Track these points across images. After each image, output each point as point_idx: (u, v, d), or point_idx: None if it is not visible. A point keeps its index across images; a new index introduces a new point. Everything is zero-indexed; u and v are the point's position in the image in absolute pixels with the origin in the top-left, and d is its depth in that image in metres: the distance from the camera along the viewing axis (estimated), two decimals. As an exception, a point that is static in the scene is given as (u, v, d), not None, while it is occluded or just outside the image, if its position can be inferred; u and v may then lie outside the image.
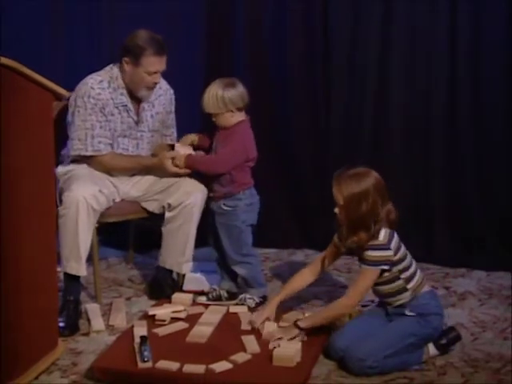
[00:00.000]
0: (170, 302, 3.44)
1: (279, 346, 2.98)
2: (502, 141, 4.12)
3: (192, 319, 3.29)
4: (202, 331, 3.17)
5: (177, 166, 3.51)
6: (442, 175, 4.20)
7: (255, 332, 3.16)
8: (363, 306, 3.38)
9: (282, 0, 4.27)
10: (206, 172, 3.48)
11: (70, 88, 3.48)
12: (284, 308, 3.33)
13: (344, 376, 2.93)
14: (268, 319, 3.20)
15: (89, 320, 3.39)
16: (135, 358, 2.92)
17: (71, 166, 3.59)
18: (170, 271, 3.65)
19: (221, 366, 2.88)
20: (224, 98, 3.37)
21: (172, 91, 3.78)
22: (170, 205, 3.56)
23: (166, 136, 3.82)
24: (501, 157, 4.12)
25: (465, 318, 3.44)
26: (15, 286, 2.72)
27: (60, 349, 3.06)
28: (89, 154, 3.55)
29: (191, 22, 4.31)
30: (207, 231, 3.59)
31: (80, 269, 3.39)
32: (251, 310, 3.43)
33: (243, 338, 3.11)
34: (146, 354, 2.91)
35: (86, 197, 3.34)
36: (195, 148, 3.59)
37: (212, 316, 3.33)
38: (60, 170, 3.55)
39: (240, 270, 3.52)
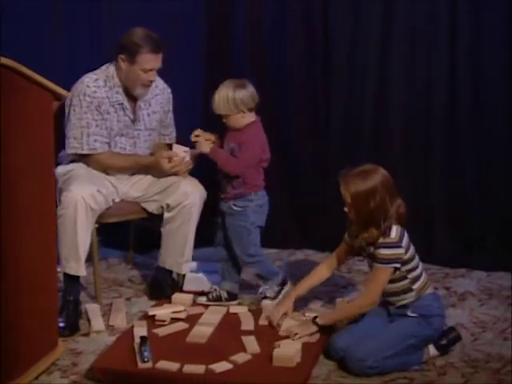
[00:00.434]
0: (169, 303, 3.44)
1: (279, 346, 2.99)
2: (502, 141, 4.12)
3: (192, 319, 3.29)
4: (202, 331, 3.17)
5: (175, 166, 3.52)
6: (442, 175, 4.20)
7: (256, 332, 3.17)
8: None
9: (282, 0, 4.27)
10: (221, 168, 3.43)
11: (70, 88, 3.48)
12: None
13: (344, 376, 2.93)
14: (285, 314, 3.22)
15: (89, 320, 3.39)
16: (135, 358, 2.92)
17: (70, 167, 3.59)
18: (170, 271, 3.65)
19: (221, 367, 2.88)
20: (235, 99, 3.35)
21: (169, 90, 3.78)
22: (168, 205, 3.56)
23: (165, 135, 3.81)
24: (501, 157, 4.12)
25: (465, 318, 3.44)
26: (15, 285, 2.72)
27: (60, 349, 3.06)
28: (84, 152, 3.54)
29: (191, 22, 4.32)
30: (215, 231, 3.58)
31: (79, 269, 3.39)
32: (250, 310, 3.44)
33: (243, 338, 3.11)
34: (146, 354, 2.91)
35: (84, 197, 3.34)
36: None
37: (212, 316, 3.33)
38: (59, 170, 3.55)
39: (254, 270, 3.56)
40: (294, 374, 2.86)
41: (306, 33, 4.26)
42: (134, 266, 4.11)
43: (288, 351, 2.93)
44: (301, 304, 3.47)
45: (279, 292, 3.50)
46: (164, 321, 3.27)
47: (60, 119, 3.54)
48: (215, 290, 3.58)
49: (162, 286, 3.63)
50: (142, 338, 2.98)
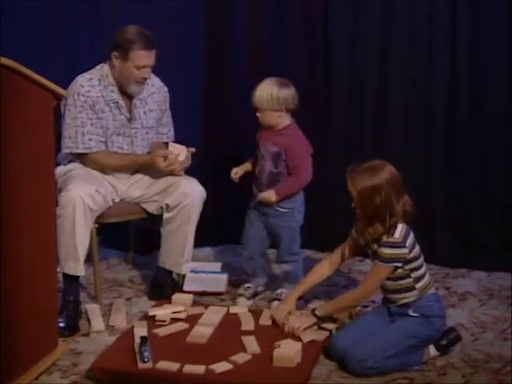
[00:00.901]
0: (170, 303, 3.44)
1: (279, 346, 2.99)
2: (502, 141, 4.12)
3: (192, 320, 3.29)
4: (202, 332, 3.17)
5: (170, 165, 3.52)
6: (442, 175, 4.20)
7: (256, 332, 3.17)
8: (364, 306, 3.39)
9: (282, 0, 4.27)
10: (299, 190, 3.53)
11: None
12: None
13: (344, 376, 2.93)
14: (290, 313, 3.23)
15: (89, 320, 3.39)
16: (135, 358, 2.92)
17: (69, 167, 3.59)
18: (170, 272, 3.65)
19: (221, 367, 2.88)
20: (279, 97, 3.42)
21: (166, 89, 3.78)
22: (168, 205, 3.56)
23: (163, 134, 3.81)
24: (501, 157, 4.12)
25: (465, 318, 3.44)
26: (15, 286, 2.72)
27: (60, 349, 3.06)
28: (79, 151, 3.54)
29: (191, 22, 4.31)
30: (242, 229, 3.64)
31: (78, 269, 3.39)
32: (250, 310, 3.44)
33: (243, 338, 3.11)
34: (146, 354, 2.90)
35: (82, 196, 3.34)
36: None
37: (212, 316, 3.33)
38: (58, 170, 3.54)
39: (286, 267, 3.58)
40: (294, 375, 2.86)
41: (306, 33, 4.26)
42: (134, 267, 4.11)
43: (288, 351, 2.93)
44: (301, 304, 3.47)
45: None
46: (164, 321, 3.27)
47: (58, 119, 3.54)
48: (249, 287, 3.62)
49: (162, 286, 3.63)
50: (142, 338, 2.97)
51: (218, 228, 4.36)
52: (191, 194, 3.55)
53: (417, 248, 3.03)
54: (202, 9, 4.32)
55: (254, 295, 3.64)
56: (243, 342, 3.08)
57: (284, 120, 3.48)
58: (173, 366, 2.87)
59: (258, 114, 3.46)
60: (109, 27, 4.26)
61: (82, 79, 3.55)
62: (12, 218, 2.67)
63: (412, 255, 2.99)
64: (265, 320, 3.30)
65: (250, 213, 3.61)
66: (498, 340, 3.23)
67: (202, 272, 3.76)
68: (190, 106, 4.25)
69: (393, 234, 2.97)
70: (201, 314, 3.36)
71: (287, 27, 4.27)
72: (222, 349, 3.01)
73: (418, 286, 3.01)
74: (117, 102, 3.59)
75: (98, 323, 3.36)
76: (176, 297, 3.47)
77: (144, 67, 3.51)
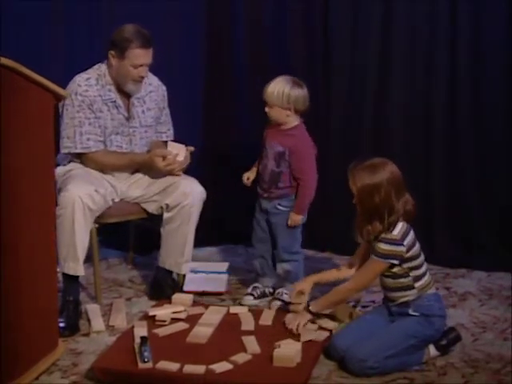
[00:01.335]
0: (170, 303, 3.44)
1: (279, 346, 2.99)
2: (502, 141, 4.12)
3: (192, 320, 3.29)
4: (203, 332, 3.17)
5: (169, 165, 3.52)
6: (442, 175, 4.20)
7: (256, 332, 3.17)
8: (363, 306, 3.39)
9: (282, 0, 4.27)
10: (313, 194, 3.56)
11: (70, 89, 3.49)
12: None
13: (344, 376, 2.93)
14: (301, 292, 3.24)
15: (89, 320, 3.39)
16: (135, 358, 2.92)
17: (69, 167, 3.59)
18: (170, 272, 3.64)
19: (221, 367, 2.88)
20: (290, 95, 3.42)
21: (164, 87, 3.77)
22: (168, 205, 3.56)
23: (162, 133, 3.81)
24: (501, 157, 4.12)
25: (465, 318, 3.44)
26: (15, 286, 2.72)
27: (60, 349, 3.06)
28: (78, 151, 3.54)
29: (191, 22, 4.31)
30: (251, 229, 3.64)
31: (78, 269, 3.39)
32: (251, 310, 3.43)
33: (243, 338, 3.11)
34: (146, 354, 2.90)
35: (81, 196, 3.34)
36: None
37: (212, 316, 3.33)
38: (58, 170, 3.54)
39: (286, 266, 3.57)
40: (295, 375, 2.86)
41: (306, 33, 4.26)
42: (134, 267, 4.11)
43: (288, 351, 2.93)
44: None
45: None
46: (164, 321, 3.27)
47: (57, 119, 3.55)
48: (257, 287, 3.61)
49: (162, 286, 3.63)
50: (143, 339, 2.98)
51: (218, 228, 4.36)
52: (191, 193, 3.55)
53: (416, 247, 3.02)
54: (202, 9, 4.32)
55: (262, 296, 3.62)
56: (243, 342, 3.08)
57: (292, 120, 3.47)
58: (173, 366, 2.87)
59: (266, 109, 3.45)
60: (108, 27, 4.25)
61: (80, 79, 3.55)
62: (12, 218, 2.67)
63: (410, 254, 2.99)
64: (265, 320, 3.30)
65: (256, 212, 3.62)
66: (498, 340, 3.23)
67: (202, 272, 3.76)
68: (190, 106, 4.25)
69: (391, 231, 2.97)
70: (201, 314, 3.36)
71: (287, 27, 4.27)
72: (222, 349, 3.01)
73: (417, 285, 3.01)
74: (115, 101, 3.59)
75: (98, 323, 3.36)
76: (176, 297, 3.47)
77: (141, 66, 3.51)
